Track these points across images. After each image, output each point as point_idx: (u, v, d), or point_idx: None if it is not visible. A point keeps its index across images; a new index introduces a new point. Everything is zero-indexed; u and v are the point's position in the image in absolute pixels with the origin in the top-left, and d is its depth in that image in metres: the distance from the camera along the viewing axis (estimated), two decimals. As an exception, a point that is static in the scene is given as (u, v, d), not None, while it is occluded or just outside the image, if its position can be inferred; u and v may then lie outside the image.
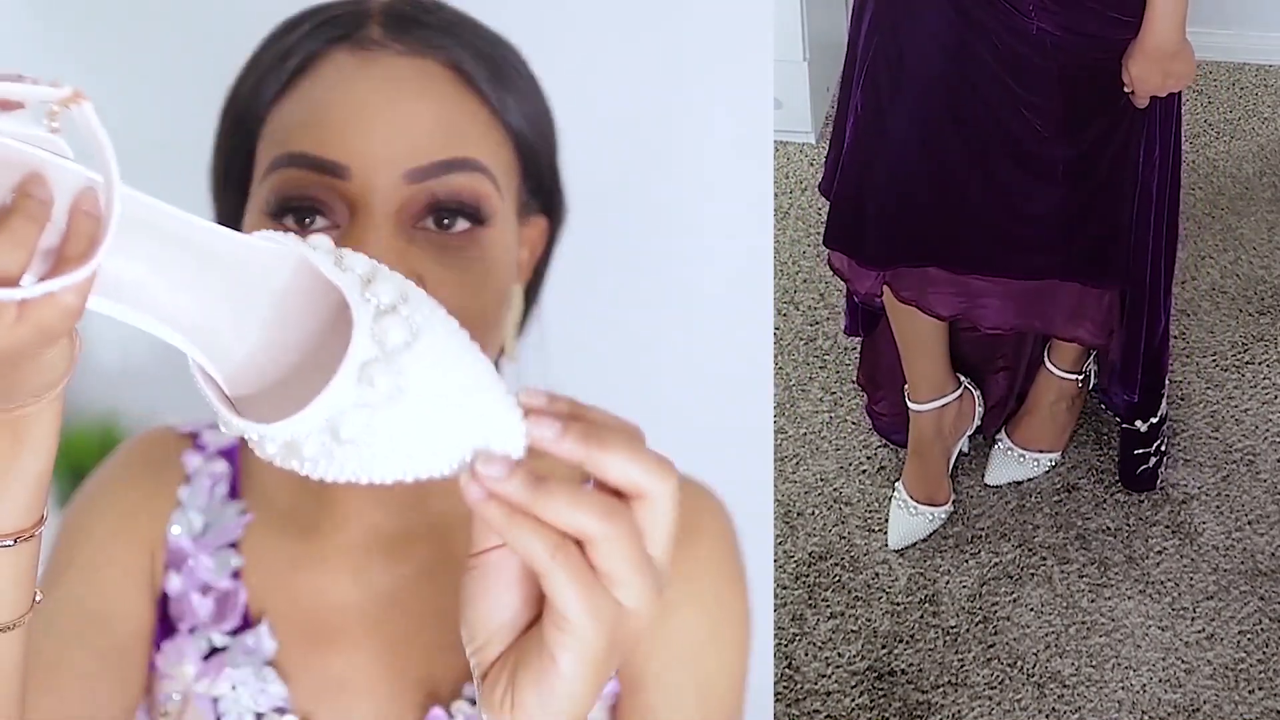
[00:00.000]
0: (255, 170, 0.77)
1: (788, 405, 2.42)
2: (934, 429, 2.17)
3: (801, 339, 2.54)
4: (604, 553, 0.58)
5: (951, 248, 1.93)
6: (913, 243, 1.93)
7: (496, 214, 0.77)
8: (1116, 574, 2.11)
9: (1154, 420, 2.13)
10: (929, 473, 2.18)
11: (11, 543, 0.63)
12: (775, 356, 2.50)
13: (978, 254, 1.93)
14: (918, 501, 2.17)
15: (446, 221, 0.75)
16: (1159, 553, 2.14)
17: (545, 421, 0.58)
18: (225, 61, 0.83)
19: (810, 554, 2.18)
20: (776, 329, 2.55)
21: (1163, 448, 2.19)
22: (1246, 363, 2.43)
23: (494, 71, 0.78)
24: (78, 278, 0.53)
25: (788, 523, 2.22)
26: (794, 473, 2.30)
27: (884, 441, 2.33)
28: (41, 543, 0.64)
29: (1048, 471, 2.25)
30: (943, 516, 2.19)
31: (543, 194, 0.84)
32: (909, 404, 2.18)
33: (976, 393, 2.22)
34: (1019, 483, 2.24)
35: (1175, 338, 2.45)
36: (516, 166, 0.80)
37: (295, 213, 0.74)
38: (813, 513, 2.24)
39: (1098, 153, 1.88)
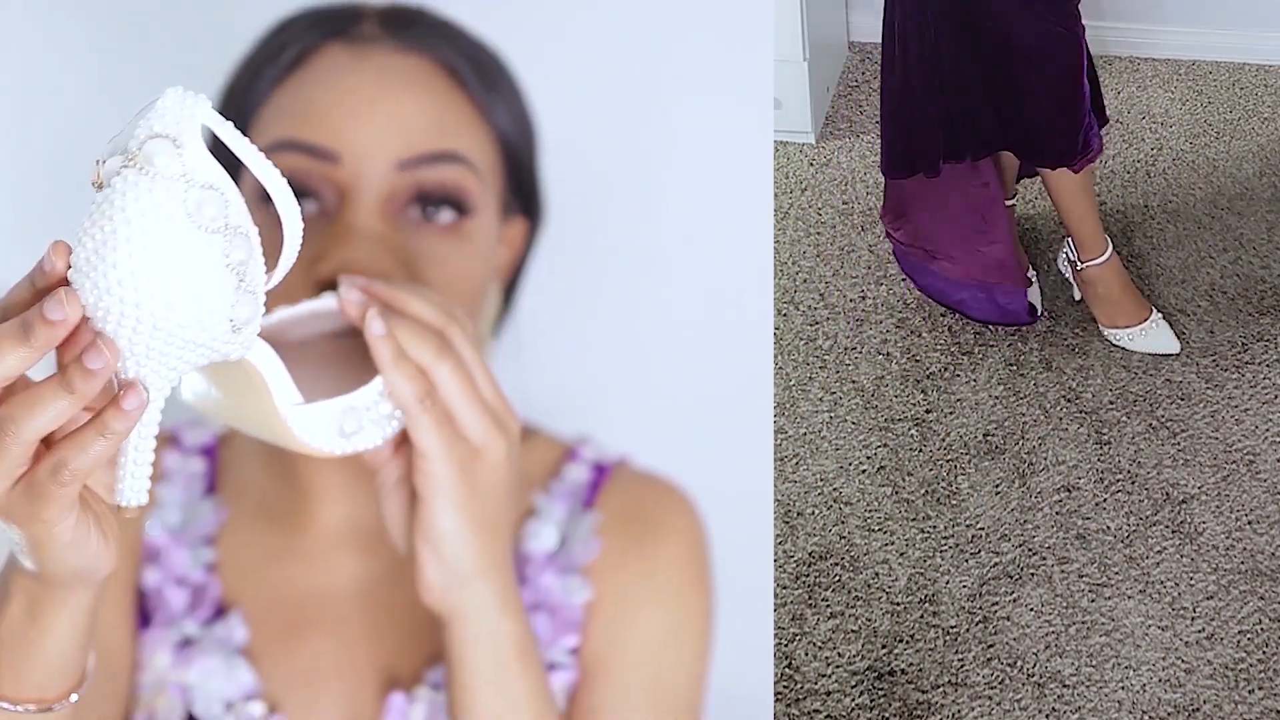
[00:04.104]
0: None
1: (788, 405, 2.42)
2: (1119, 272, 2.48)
3: (801, 339, 2.54)
4: (445, 390, 0.68)
5: None
6: None
7: (479, 208, 0.80)
8: (1116, 574, 2.11)
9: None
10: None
11: (33, 709, 0.68)
12: (775, 356, 2.50)
13: None
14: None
15: (431, 210, 0.78)
16: (1159, 553, 2.14)
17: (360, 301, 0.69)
18: (213, 66, 0.84)
19: (810, 554, 2.18)
20: (776, 329, 2.55)
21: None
22: (1246, 363, 2.43)
23: (482, 73, 0.81)
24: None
25: (788, 523, 2.22)
26: (794, 473, 2.30)
27: (884, 441, 2.33)
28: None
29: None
30: None
31: (524, 195, 0.87)
32: (1090, 262, 2.44)
33: None
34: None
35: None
36: (500, 166, 0.83)
37: None
38: (813, 513, 2.24)
39: None
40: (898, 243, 2.57)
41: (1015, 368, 2.45)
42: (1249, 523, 2.17)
